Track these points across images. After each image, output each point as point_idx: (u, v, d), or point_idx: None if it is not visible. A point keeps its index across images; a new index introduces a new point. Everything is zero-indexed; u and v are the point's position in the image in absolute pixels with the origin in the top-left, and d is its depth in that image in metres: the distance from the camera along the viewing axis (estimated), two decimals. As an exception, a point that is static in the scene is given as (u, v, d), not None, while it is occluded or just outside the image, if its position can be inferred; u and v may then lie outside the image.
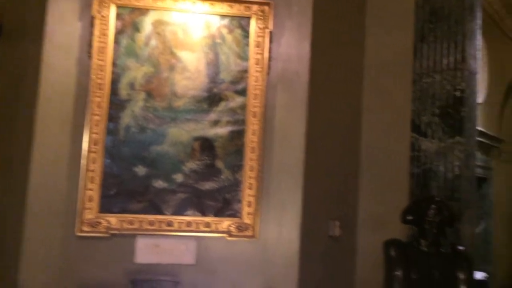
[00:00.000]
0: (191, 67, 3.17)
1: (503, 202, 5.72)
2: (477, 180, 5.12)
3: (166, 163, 3.08)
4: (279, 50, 3.27)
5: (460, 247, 2.91)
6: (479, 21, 3.64)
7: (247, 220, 3.10)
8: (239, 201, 3.11)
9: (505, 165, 5.65)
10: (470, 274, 2.78)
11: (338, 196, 3.57)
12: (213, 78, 3.18)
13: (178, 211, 3.05)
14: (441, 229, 2.83)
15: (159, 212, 3.05)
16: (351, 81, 3.79)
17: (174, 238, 3.03)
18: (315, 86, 3.32)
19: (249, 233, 3.08)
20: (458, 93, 3.45)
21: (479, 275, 4.70)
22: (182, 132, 3.13)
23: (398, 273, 2.74)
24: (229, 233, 3.07)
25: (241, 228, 3.08)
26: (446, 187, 3.40)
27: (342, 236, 3.51)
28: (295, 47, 3.29)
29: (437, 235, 2.81)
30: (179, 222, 3.04)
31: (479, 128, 4.79)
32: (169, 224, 3.03)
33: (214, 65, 3.19)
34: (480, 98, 4.91)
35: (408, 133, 3.61)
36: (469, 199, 3.46)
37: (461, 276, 2.75)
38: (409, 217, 2.89)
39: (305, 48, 3.28)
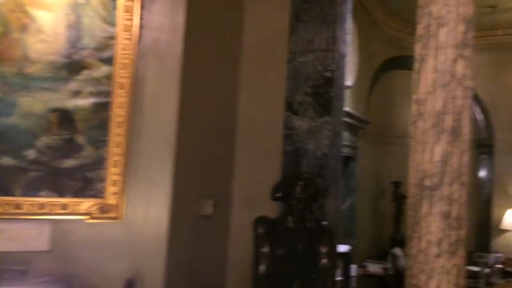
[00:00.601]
0: (48, 28, 2.79)
1: (368, 180, 6.19)
2: (345, 159, 5.49)
3: (16, 138, 2.69)
4: (151, 17, 3.03)
5: (324, 222, 3.02)
6: (349, 5, 3.78)
7: (111, 200, 2.86)
8: (103, 180, 2.85)
9: (370, 145, 6.11)
10: (332, 248, 2.91)
11: (212, 175, 3.49)
12: (74, 43, 2.84)
13: (29, 192, 2.70)
14: (307, 205, 2.90)
15: (7, 193, 2.66)
16: (229, 57, 3.70)
17: (24, 223, 2.67)
18: (189, 59, 3.16)
19: (113, 214, 2.85)
20: (328, 74, 3.56)
21: (343, 247, 5.05)
22: (35, 102, 2.75)
23: (265, 249, 2.75)
24: (90, 215, 2.80)
25: (104, 209, 2.83)
26: (315, 165, 3.52)
27: (215, 215, 3.45)
28: (169, 16, 3.08)
29: (303, 211, 2.87)
30: (29, 204, 2.69)
31: (348, 110, 5.08)
32: (18, 206, 2.66)
33: (75, 29, 2.85)
34: (350, 81, 5.20)
35: (282, 111, 3.65)
36: (335, 176, 3.63)
37: (323, 249, 2.85)
38: (278, 194, 2.91)
39: (179, 17, 3.09)
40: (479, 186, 6.60)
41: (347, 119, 5.01)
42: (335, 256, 2.94)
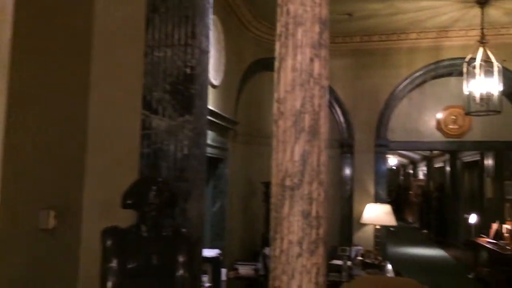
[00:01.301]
0: None
1: (240, 181, 6.14)
2: (214, 160, 5.35)
3: None
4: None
5: (183, 229, 2.80)
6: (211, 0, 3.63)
7: None
8: None
9: (241, 146, 6.06)
10: (190, 256, 2.69)
11: (56, 181, 3.04)
12: None
13: None
14: (162, 212, 2.65)
15: None
16: (76, 50, 3.28)
17: None
18: (23, 49, 2.69)
19: None
20: (188, 70, 3.35)
21: (212, 252, 4.90)
22: None
23: (113, 264, 2.43)
24: None
25: None
26: (176, 167, 3.29)
27: (60, 227, 3.01)
28: (-7, -5, 2.58)
29: (157, 218, 2.62)
30: None
31: (216, 110, 4.95)
32: None
33: None
34: (217, 80, 5.07)
35: (139, 110, 3.35)
36: (198, 178, 3.44)
37: (181, 259, 2.63)
38: (128, 201, 2.61)
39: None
40: (342, 183, 6.99)
41: (214, 120, 4.87)
42: (193, 264, 2.73)
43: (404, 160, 24.32)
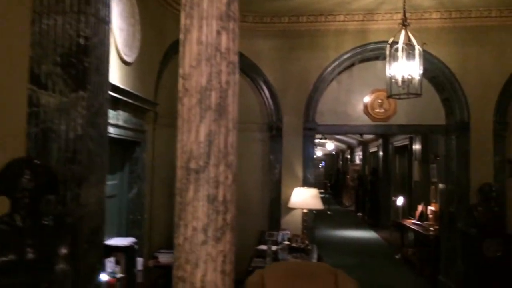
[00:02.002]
0: None
1: (162, 166, 5.82)
2: (130, 143, 5.01)
3: None
4: None
5: (67, 218, 2.49)
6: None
7: None
8: None
9: (163, 129, 5.74)
10: (74, 247, 2.40)
11: None
12: None
13: None
14: (40, 198, 2.33)
15: None
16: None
17: None
18: None
19: None
20: (82, 41, 3.00)
21: (125, 241, 4.60)
22: None
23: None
24: None
25: None
26: (68, 149, 2.95)
27: None
28: None
29: (33, 205, 2.30)
30: None
31: (131, 90, 4.60)
32: None
33: None
34: (131, 57, 4.71)
35: (26, 84, 2.97)
36: (95, 161, 3.13)
37: (63, 251, 2.33)
38: (-4, 187, 2.26)
39: None
40: (271, 167, 6.87)
41: (128, 99, 4.53)
42: (77, 256, 2.44)
43: (342, 145, 24.91)
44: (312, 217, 6.86)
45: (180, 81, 2.86)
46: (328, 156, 32.18)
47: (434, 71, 6.77)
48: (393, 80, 5.49)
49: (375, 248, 10.99)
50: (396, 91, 5.50)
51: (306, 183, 6.78)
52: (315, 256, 5.95)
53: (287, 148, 6.88)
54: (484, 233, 6.06)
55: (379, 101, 7.07)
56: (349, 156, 24.72)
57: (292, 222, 6.70)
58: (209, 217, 2.75)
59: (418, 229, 8.22)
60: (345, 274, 3.70)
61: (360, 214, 17.15)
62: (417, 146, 10.96)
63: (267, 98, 6.93)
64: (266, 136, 6.97)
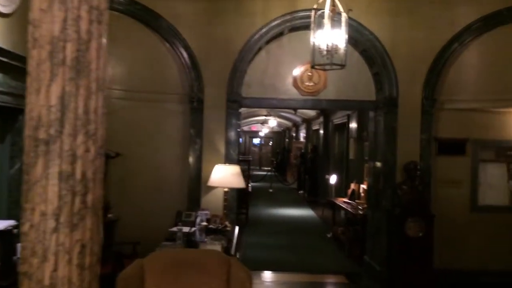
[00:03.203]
0: None
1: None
2: (11, 110, 4.32)
3: None
4: None
5: None
6: None
7: None
8: None
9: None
10: None
11: None
12: None
13: None
14: None
15: None
16: None
17: None
18: None
19: None
20: None
21: (2, 224, 3.97)
22: None
23: None
24: None
25: None
26: None
27: None
28: None
29: None
30: None
31: (7, 48, 3.91)
32: None
33: None
34: (9, 7, 3.99)
35: None
36: None
37: None
38: None
39: None
40: (191, 142, 6.34)
41: (7, 60, 3.84)
42: None
43: (288, 123, 24.72)
44: (234, 196, 6.44)
45: (29, 28, 2.27)
46: (276, 133, 32.04)
47: (365, 44, 6.43)
48: (317, 49, 5.08)
49: (310, 227, 10.84)
50: (319, 61, 5.09)
51: (228, 160, 6.33)
52: (234, 238, 5.55)
53: (209, 121, 6.36)
54: (407, 213, 5.89)
55: (309, 74, 6.68)
56: (294, 134, 24.61)
57: (214, 201, 6.23)
58: (62, 199, 2.21)
59: (347, 208, 8.04)
60: (239, 263, 3.29)
61: (301, 191, 17.06)
62: (353, 124, 10.78)
63: (187, 67, 6.35)
64: (186, 108, 6.41)
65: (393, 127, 6.41)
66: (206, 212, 5.98)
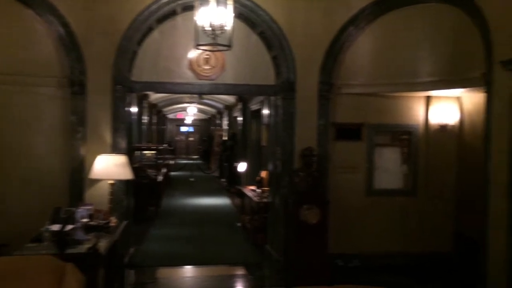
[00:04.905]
0: None
1: None
2: None
3: None
4: None
5: None
6: None
7: None
8: None
9: None
10: None
11: None
12: None
13: None
14: None
15: None
16: None
17: None
18: None
19: None
20: None
21: None
22: None
23: None
24: None
25: None
26: None
27: None
28: None
29: None
30: None
31: None
32: None
33: None
34: None
35: None
36: None
37: None
38: None
39: None
40: (73, 130, 5.75)
41: None
42: None
43: (212, 110, 24.26)
44: (123, 189, 5.95)
45: None
46: (203, 121, 31.48)
47: (262, 25, 6.16)
48: (201, 28, 4.72)
49: (223, 216, 10.57)
50: (204, 41, 4.74)
51: (117, 150, 5.82)
52: (116, 234, 5.10)
53: (93, 108, 5.79)
54: (303, 200, 5.74)
55: (206, 56, 6.30)
56: (219, 122, 24.24)
57: (100, 195, 5.69)
58: None
59: (252, 196, 7.83)
60: (75, 270, 2.87)
61: (223, 180, 16.78)
62: (266, 110, 10.58)
63: (66, 47, 5.72)
64: (67, 93, 5.79)
65: (291, 112, 6.23)
66: (89, 207, 5.45)
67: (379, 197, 6.54)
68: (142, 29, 5.96)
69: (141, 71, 6.16)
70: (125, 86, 5.94)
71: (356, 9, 6.12)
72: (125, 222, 5.64)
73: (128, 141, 6.17)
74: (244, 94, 9.57)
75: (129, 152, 6.23)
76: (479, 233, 5.04)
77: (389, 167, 6.63)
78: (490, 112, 4.90)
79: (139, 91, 6.79)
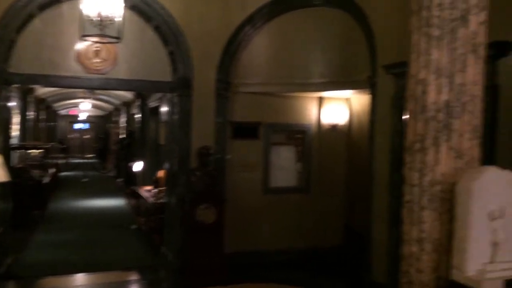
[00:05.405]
0: None
1: None
2: None
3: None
4: None
5: None
6: None
7: None
8: None
9: None
10: None
11: None
12: None
13: None
14: None
15: None
16: None
17: None
18: None
19: None
20: None
21: None
22: None
23: None
24: None
25: None
26: None
27: None
28: None
29: None
30: None
31: None
32: None
33: None
34: None
35: None
36: None
37: None
38: None
39: None
40: None
41: None
42: None
43: (111, 107, 23.07)
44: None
45: None
46: (100, 118, 29.79)
47: (157, 19, 5.93)
48: (86, 18, 4.39)
49: (117, 218, 10.02)
50: (91, 31, 4.42)
51: (-6, 149, 5.20)
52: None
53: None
54: (199, 199, 5.64)
55: (96, 48, 5.89)
56: (117, 119, 23.13)
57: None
58: None
59: (148, 197, 7.55)
60: None
61: (120, 179, 16.01)
62: (165, 107, 10.29)
63: None
64: None
65: (188, 109, 6.09)
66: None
67: (276, 195, 6.67)
68: (21, 16, 5.40)
69: (21, 62, 5.59)
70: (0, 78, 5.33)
71: (253, 8, 6.16)
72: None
73: (5, 139, 5.55)
74: (138, 90, 9.16)
75: (6, 151, 5.60)
76: (365, 227, 5.36)
77: (285, 165, 6.79)
78: (374, 113, 5.22)
79: (20, 84, 6.14)
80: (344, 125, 6.99)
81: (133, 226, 8.71)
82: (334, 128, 6.87)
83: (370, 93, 5.32)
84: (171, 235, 6.24)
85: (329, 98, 6.87)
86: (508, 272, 2.39)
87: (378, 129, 5.14)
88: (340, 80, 6.00)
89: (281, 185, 6.72)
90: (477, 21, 2.56)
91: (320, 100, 6.89)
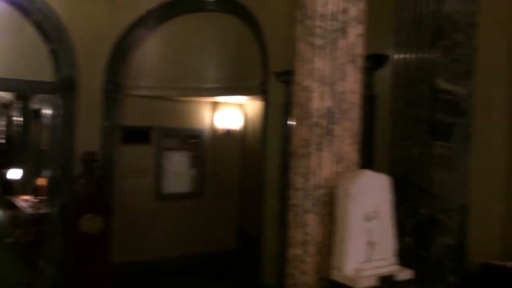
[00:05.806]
0: None
1: None
2: None
3: None
4: None
5: None
6: None
7: None
8: None
9: None
10: None
11: None
12: None
13: None
14: None
15: None
16: None
17: None
18: None
19: None
20: None
21: None
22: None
23: None
24: None
25: None
26: None
27: None
28: None
29: None
30: None
31: None
32: None
33: None
34: None
35: None
36: None
37: None
38: None
39: None
40: None
41: None
42: None
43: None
44: None
45: None
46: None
47: (38, 14, 5.45)
48: None
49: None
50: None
51: None
52: None
53: None
54: (83, 208, 5.26)
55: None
56: (-6, 121, 20.86)
57: None
58: None
59: (26, 207, 6.88)
60: None
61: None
62: (48, 110, 9.50)
63: None
64: None
65: (72, 112, 5.67)
66: None
67: (169, 201, 6.50)
68: None
69: None
70: None
71: (144, 10, 5.94)
72: None
73: None
74: (15, 90, 8.32)
75: None
76: (258, 231, 5.43)
77: (179, 170, 6.65)
78: (266, 119, 5.33)
79: None
80: (239, 131, 7.06)
81: (9, 240, 7.87)
82: (228, 133, 6.90)
83: (263, 99, 5.42)
84: (51, 248, 5.74)
85: (223, 103, 6.88)
86: (382, 269, 2.55)
87: (269, 134, 5.26)
88: (233, 86, 6.04)
89: (175, 190, 6.56)
90: (355, 33, 2.71)
91: (214, 105, 6.88)
